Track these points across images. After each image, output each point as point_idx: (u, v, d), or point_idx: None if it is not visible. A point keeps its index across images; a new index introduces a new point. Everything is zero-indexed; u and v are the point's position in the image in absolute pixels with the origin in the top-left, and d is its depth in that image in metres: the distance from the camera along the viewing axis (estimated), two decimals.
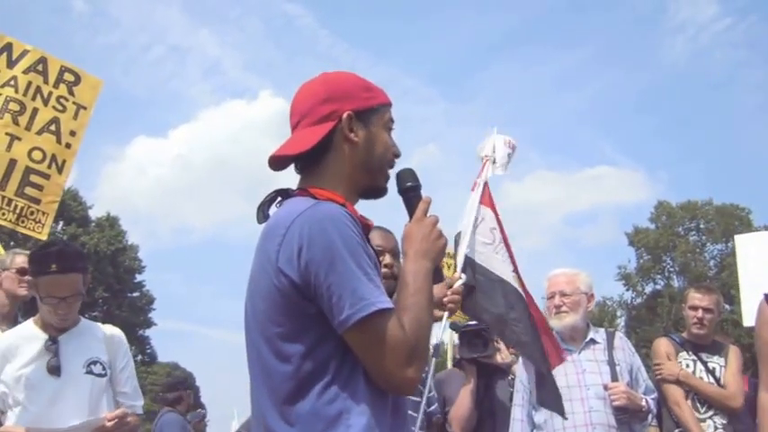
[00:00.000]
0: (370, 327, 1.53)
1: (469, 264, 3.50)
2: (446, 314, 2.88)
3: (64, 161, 3.63)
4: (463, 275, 3.02)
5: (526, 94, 65.70)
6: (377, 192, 1.82)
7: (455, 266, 3.42)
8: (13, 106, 3.46)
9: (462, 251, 3.47)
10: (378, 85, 1.84)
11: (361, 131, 1.75)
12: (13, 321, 3.61)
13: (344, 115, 1.73)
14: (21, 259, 3.68)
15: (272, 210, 1.76)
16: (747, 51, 58.07)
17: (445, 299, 2.72)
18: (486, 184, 3.73)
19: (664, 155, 61.56)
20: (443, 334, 3.45)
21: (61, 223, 34.93)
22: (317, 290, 1.55)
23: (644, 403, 3.71)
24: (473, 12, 65.51)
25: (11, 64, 3.49)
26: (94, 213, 37.51)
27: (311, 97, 1.77)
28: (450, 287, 2.74)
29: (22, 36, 3.63)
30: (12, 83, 3.48)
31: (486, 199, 3.70)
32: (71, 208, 34.73)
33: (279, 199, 1.76)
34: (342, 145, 1.74)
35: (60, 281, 2.99)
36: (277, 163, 1.79)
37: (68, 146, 3.65)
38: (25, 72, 3.52)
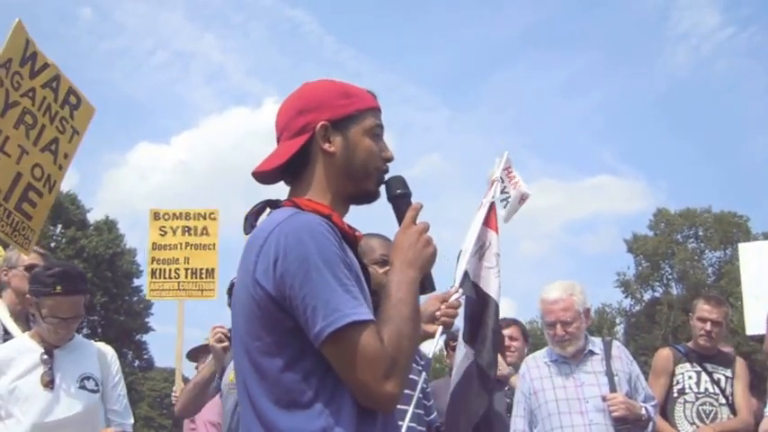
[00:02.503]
0: (345, 339, 1.48)
1: (471, 283, 3.47)
2: (440, 329, 2.71)
3: (55, 182, 3.60)
4: (460, 290, 2.94)
5: (528, 102, 65.74)
6: (366, 197, 1.77)
7: (453, 282, 3.35)
8: (28, 119, 3.40)
9: (462, 267, 3.41)
10: (371, 89, 1.80)
11: (339, 140, 1.71)
12: (25, 320, 3.54)
13: (318, 126, 1.69)
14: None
15: (260, 220, 1.73)
16: (750, 60, 58.27)
17: (438, 312, 2.59)
18: (492, 204, 3.69)
19: (664, 163, 61.74)
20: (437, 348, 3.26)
21: (60, 226, 34.85)
22: (292, 302, 1.51)
23: (643, 412, 3.69)
24: (476, 20, 65.49)
25: (32, 74, 3.42)
26: (93, 217, 37.46)
27: (288, 110, 1.76)
28: (445, 301, 2.62)
29: None
30: (30, 94, 3.41)
31: (492, 222, 3.65)
32: (69, 211, 34.65)
33: (267, 210, 1.74)
34: (319, 156, 1.71)
35: (64, 302, 3.02)
36: (261, 178, 1.78)
37: (60, 167, 3.62)
38: (42, 87, 3.47)
